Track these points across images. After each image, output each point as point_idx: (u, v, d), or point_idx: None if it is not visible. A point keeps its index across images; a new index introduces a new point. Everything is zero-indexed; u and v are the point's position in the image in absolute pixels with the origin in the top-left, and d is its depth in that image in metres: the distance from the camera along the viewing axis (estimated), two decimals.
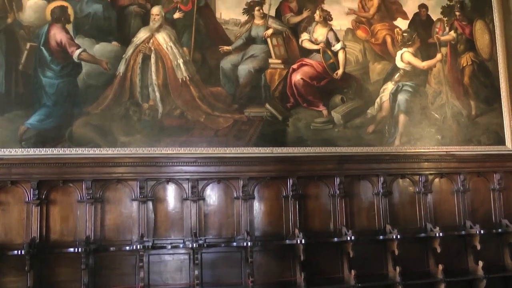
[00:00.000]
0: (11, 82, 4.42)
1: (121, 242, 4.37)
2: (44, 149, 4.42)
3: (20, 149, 4.36)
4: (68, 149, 4.45)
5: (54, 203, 4.46)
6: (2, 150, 4.33)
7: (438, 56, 5.11)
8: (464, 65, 5.11)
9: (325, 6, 4.96)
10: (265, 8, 4.90)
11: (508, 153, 4.97)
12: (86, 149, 4.48)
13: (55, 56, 4.49)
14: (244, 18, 4.87)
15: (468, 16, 5.18)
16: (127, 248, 4.26)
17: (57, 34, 4.50)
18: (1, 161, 4.32)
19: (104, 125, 4.55)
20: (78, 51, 4.50)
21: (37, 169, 4.42)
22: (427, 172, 4.95)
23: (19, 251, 4.09)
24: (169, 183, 4.57)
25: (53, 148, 4.43)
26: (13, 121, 4.39)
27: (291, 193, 4.71)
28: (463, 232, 4.64)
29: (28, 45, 4.46)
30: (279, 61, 4.86)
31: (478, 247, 4.55)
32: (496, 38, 5.21)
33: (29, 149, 4.39)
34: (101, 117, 4.53)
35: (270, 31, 4.88)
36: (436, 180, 4.94)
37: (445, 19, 5.24)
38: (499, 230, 4.69)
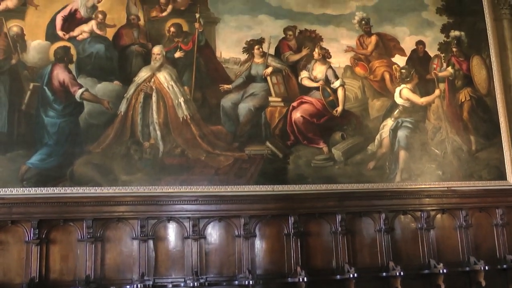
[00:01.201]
0: (14, 122, 4.49)
1: (122, 281, 4.39)
2: (45, 188, 4.46)
3: (21, 189, 4.40)
4: (69, 188, 4.48)
5: (54, 243, 4.46)
6: (3, 189, 4.36)
7: (437, 92, 5.18)
8: (462, 100, 5.14)
9: (324, 44, 5.03)
10: (265, 46, 4.97)
11: (510, 188, 4.99)
12: (87, 188, 4.52)
13: (57, 95, 4.59)
14: (244, 56, 4.95)
15: (465, 52, 5.24)
16: (128, 287, 4.20)
17: (60, 74, 4.60)
18: (2, 201, 4.34)
19: (105, 164, 4.59)
20: (80, 91, 4.59)
21: (38, 209, 4.44)
22: (429, 208, 4.95)
23: None
24: (170, 221, 4.59)
25: (54, 188, 4.47)
26: (14, 161, 4.44)
27: (292, 231, 4.70)
28: (467, 268, 4.58)
29: (31, 85, 4.56)
30: (279, 99, 4.92)
31: (483, 283, 4.51)
32: (493, 74, 5.25)
33: (30, 188, 4.42)
34: (102, 156, 4.58)
35: (269, 70, 4.96)
36: (438, 216, 4.95)
37: (442, 55, 5.31)
38: (504, 266, 4.63)
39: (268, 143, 4.84)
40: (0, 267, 4.34)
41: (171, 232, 4.60)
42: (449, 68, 5.21)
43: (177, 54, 4.85)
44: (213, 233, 4.64)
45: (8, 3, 4.55)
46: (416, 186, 4.96)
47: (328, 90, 5.01)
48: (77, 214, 4.51)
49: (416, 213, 4.93)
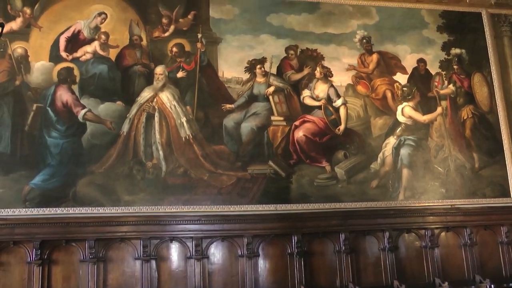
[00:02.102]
0: (17, 142, 4.47)
1: None
2: (48, 209, 4.44)
3: (24, 209, 4.38)
4: (72, 208, 4.46)
5: (56, 263, 4.44)
6: (5, 210, 4.34)
7: (439, 109, 5.16)
8: (464, 118, 5.12)
9: (325, 63, 5.04)
10: (266, 66, 4.96)
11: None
12: (90, 208, 4.50)
13: (60, 116, 4.57)
14: (246, 76, 4.94)
15: (466, 70, 5.23)
16: None
17: (63, 95, 4.60)
18: (4, 222, 4.32)
19: (108, 184, 4.58)
20: (83, 112, 4.58)
21: (40, 229, 4.44)
22: (433, 226, 4.93)
23: None
24: (173, 241, 4.56)
25: (57, 208, 4.43)
26: (17, 181, 4.42)
27: (296, 250, 4.67)
28: (473, 287, 4.46)
29: (34, 106, 4.55)
30: (281, 118, 4.90)
31: None
32: (495, 91, 5.23)
33: (32, 209, 4.40)
34: (104, 176, 4.57)
35: (271, 89, 4.94)
36: (443, 234, 4.93)
37: (443, 73, 5.30)
38: (510, 284, 4.56)
39: (270, 163, 4.82)
40: None
41: (174, 252, 4.57)
42: (451, 86, 5.20)
43: (180, 74, 4.84)
44: (216, 253, 4.61)
45: (13, 25, 4.57)
46: (419, 204, 4.94)
47: (330, 108, 5.00)
48: (80, 234, 4.50)
49: (420, 231, 4.89)
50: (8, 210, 4.37)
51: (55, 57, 4.68)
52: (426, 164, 5.09)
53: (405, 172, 5.01)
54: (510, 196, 5.02)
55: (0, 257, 4.39)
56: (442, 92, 5.18)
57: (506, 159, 5.10)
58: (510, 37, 5.36)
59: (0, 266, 4.37)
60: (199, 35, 4.91)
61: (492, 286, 4.51)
